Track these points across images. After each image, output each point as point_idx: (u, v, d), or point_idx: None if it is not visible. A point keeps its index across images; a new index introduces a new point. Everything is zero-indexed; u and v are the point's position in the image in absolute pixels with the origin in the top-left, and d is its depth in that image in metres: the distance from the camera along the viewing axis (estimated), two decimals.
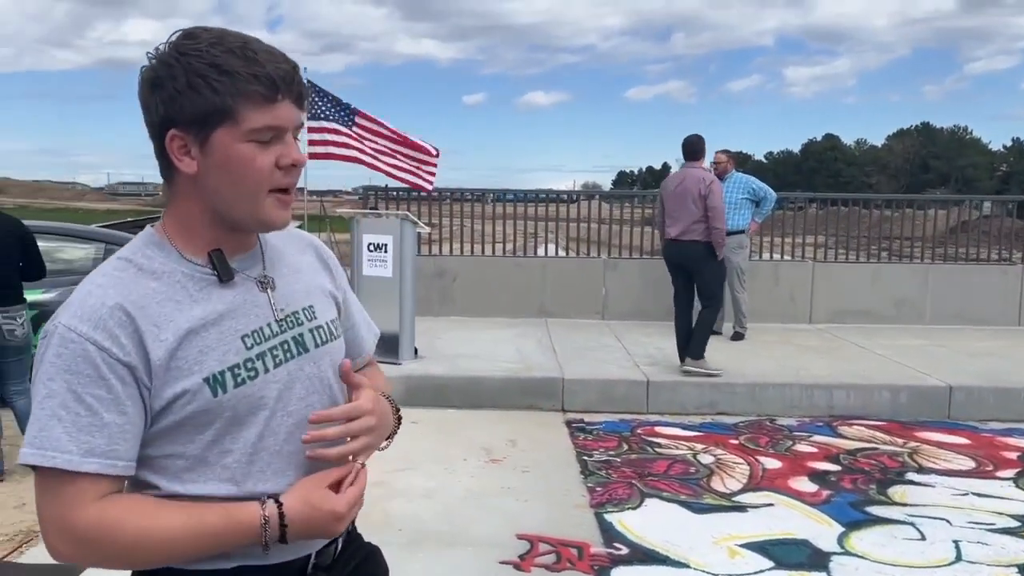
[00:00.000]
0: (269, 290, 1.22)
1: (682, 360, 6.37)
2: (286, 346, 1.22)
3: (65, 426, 1.07)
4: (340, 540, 1.31)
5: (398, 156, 7.31)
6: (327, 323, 1.30)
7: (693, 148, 6.51)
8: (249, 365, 1.16)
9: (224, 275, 1.18)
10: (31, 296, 5.03)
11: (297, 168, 1.16)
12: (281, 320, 1.22)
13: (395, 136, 7.28)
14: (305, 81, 1.23)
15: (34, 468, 1.08)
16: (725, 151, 8.15)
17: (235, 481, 1.16)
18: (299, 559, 1.23)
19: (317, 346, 1.26)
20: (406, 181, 7.42)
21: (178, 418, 1.13)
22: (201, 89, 1.09)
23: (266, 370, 1.18)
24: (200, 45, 1.10)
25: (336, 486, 1.19)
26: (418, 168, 7.31)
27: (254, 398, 1.17)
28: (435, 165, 7.42)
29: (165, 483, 1.15)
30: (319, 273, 1.35)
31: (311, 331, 1.26)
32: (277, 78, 1.11)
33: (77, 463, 1.07)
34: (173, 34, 1.14)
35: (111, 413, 1.08)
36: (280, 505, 1.14)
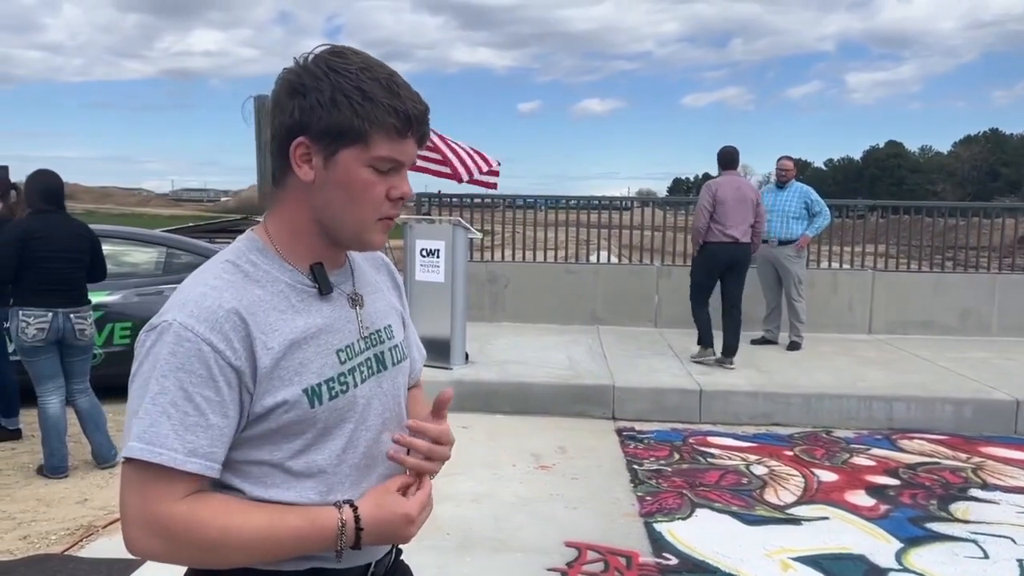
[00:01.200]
0: (358, 307, 1.27)
1: (733, 353, 6.83)
2: (369, 363, 1.26)
3: (173, 424, 1.09)
4: (393, 553, 1.35)
5: (464, 159, 7.32)
6: (400, 343, 1.35)
7: (733, 158, 7.08)
8: (342, 379, 1.20)
9: (324, 288, 1.22)
10: (96, 298, 5.20)
11: (404, 201, 1.21)
12: (366, 337, 1.26)
13: (456, 145, 7.30)
14: None
15: (128, 461, 1.10)
16: (789, 157, 7.99)
17: (317, 491, 1.19)
18: (360, 567, 1.27)
19: (394, 364, 1.31)
20: (478, 182, 7.43)
21: (273, 426, 1.16)
22: (343, 108, 1.13)
23: (355, 385, 1.22)
24: (350, 67, 1.15)
25: (403, 492, 1.24)
26: (480, 170, 7.32)
27: (343, 411, 1.21)
28: (497, 174, 7.47)
29: (248, 487, 1.17)
30: (392, 293, 1.41)
31: (390, 350, 1.31)
32: (413, 116, 1.16)
33: (181, 462, 1.09)
34: (319, 47, 1.19)
35: (216, 415, 1.11)
36: (356, 509, 1.17)
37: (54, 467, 4.59)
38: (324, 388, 1.18)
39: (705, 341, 6.94)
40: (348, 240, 1.22)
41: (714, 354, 6.85)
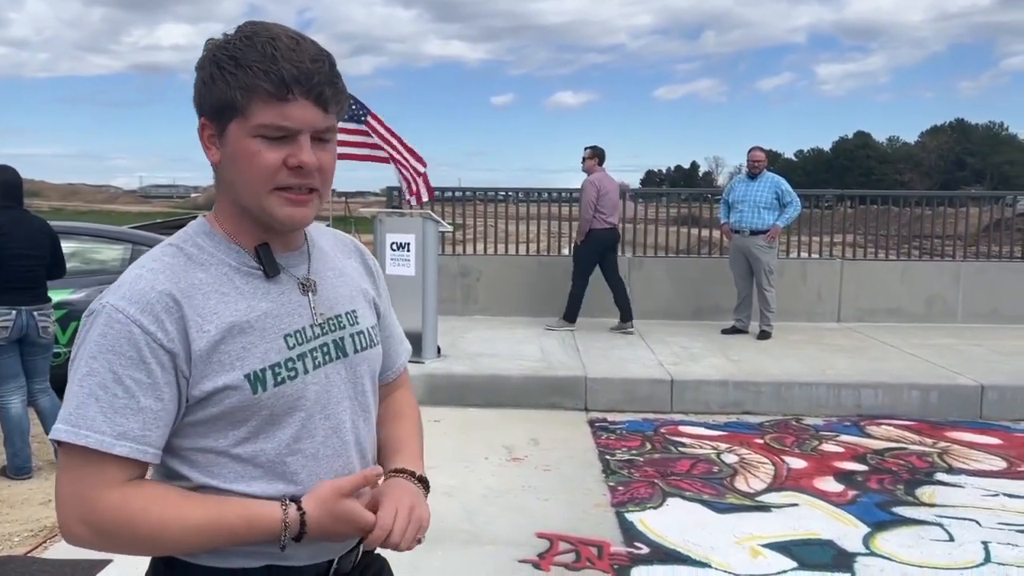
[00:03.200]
0: (310, 293, 1.23)
1: (626, 321, 8.03)
2: (326, 349, 1.22)
3: (102, 406, 1.07)
4: (361, 548, 1.30)
5: (402, 166, 7.32)
6: (368, 328, 1.30)
7: (604, 156, 8.19)
8: (290, 365, 1.17)
9: (270, 270, 1.19)
10: (60, 296, 5.12)
11: (305, 170, 1.12)
12: (321, 323, 1.22)
13: (399, 143, 7.26)
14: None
15: (60, 444, 1.09)
16: (761, 148, 8.05)
17: (267, 479, 1.16)
18: (322, 563, 1.23)
19: (356, 351, 1.26)
20: (409, 186, 7.44)
21: (215, 412, 1.13)
22: (218, 81, 1.11)
23: (306, 371, 1.18)
24: (234, 38, 1.12)
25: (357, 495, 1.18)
26: (415, 178, 7.33)
27: (292, 398, 1.17)
28: (425, 177, 7.49)
29: (196, 475, 1.15)
30: (363, 278, 1.36)
31: (352, 336, 1.27)
32: (289, 77, 1.08)
33: (109, 444, 1.07)
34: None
35: (148, 398, 1.09)
36: (302, 513, 1.12)
37: (18, 468, 4.50)
38: (268, 373, 1.14)
39: (571, 317, 8.05)
40: (261, 218, 1.15)
41: (573, 329, 7.98)
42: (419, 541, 1.24)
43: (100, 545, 1.11)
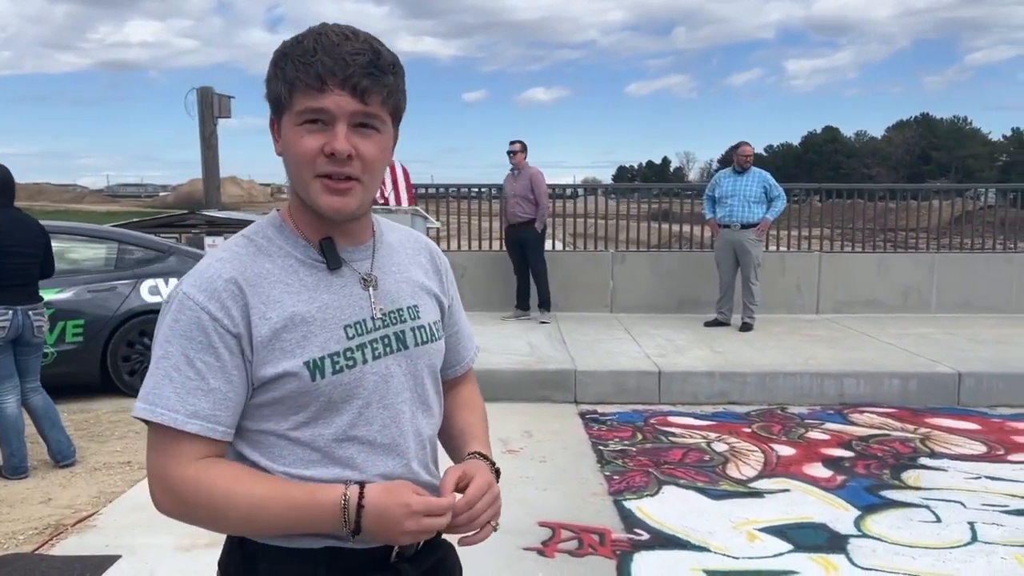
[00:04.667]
0: (371, 288, 1.26)
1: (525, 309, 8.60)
2: (387, 340, 1.26)
3: (175, 387, 1.15)
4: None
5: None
6: (429, 324, 1.33)
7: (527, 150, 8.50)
8: (348, 355, 1.21)
9: (332, 263, 1.24)
10: (48, 296, 5.09)
11: (338, 157, 1.15)
12: (382, 317, 1.26)
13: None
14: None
15: (147, 423, 1.17)
16: (748, 143, 8.11)
17: (324, 464, 1.20)
18: (383, 547, 1.25)
19: (417, 344, 1.30)
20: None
21: (276, 396, 1.19)
22: (272, 78, 1.20)
23: (364, 361, 1.23)
24: (293, 38, 1.19)
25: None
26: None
27: (350, 386, 1.21)
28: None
29: (258, 457, 1.21)
30: (429, 275, 1.39)
31: (413, 329, 1.30)
32: (323, 69, 1.13)
33: (182, 422, 1.14)
34: None
35: (217, 380, 1.16)
36: (362, 491, 1.16)
37: (14, 467, 4.49)
38: (327, 362, 1.19)
39: (548, 303, 8.45)
40: (308, 204, 1.20)
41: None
42: (495, 528, 1.28)
43: (180, 515, 1.18)
